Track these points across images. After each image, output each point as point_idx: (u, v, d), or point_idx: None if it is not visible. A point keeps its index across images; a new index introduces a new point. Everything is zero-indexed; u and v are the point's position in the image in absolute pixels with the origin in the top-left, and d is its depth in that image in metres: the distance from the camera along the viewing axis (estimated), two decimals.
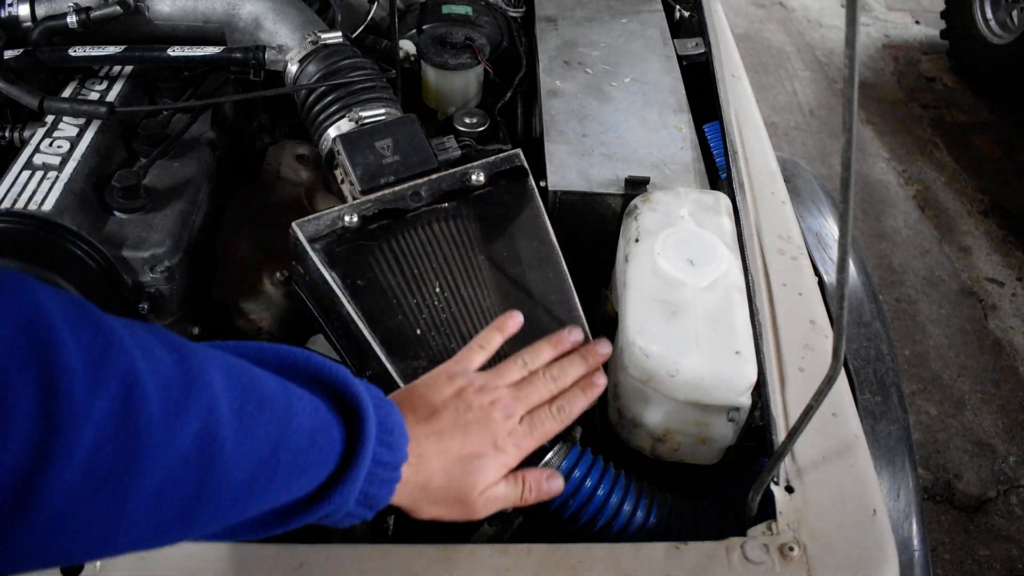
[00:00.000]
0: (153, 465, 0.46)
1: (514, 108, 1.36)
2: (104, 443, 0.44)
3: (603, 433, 0.96)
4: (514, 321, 0.83)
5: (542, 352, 0.81)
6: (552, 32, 1.42)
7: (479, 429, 0.72)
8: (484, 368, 0.79)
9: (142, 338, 0.48)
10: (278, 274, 1.04)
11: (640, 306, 0.90)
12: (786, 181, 1.16)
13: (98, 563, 0.70)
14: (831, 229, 1.47)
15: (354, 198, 0.95)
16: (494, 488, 0.73)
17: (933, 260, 3.02)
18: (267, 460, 0.53)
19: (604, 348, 0.84)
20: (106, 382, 0.44)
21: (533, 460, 0.85)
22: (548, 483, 0.77)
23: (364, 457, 0.60)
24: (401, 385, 0.81)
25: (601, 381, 0.82)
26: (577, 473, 0.85)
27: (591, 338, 0.90)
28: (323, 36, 1.10)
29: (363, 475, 0.60)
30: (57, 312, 0.44)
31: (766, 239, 1.04)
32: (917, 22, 4.51)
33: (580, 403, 0.80)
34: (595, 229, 1.10)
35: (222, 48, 1.11)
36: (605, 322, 1.04)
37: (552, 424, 0.77)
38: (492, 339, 0.81)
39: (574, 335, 0.84)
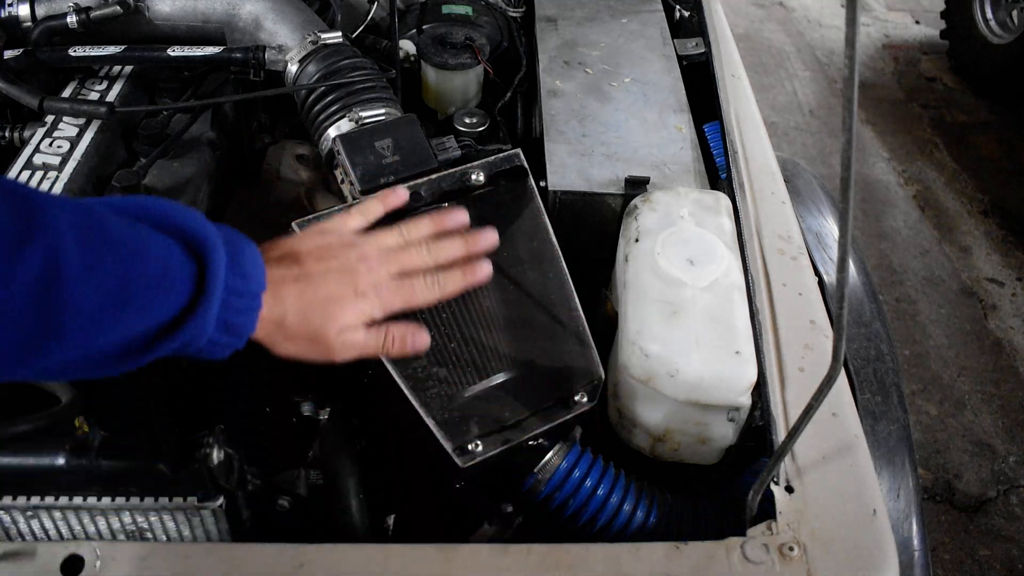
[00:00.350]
0: None
1: (514, 108, 1.36)
2: None
3: (603, 433, 0.96)
4: (397, 195, 0.84)
5: (421, 225, 0.81)
6: (552, 32, 1.42)
7: (339, 275, 0.74)
8: None
9: None
10: None
11: (640, 306, 0.90)
12: (786, 181, 1.17)
13: (98, 563, 0.70)
14: (831, 229, 1.47)
15: (354, 198, 0.95)
16: (353, 333, 0.74)
17: (933, 260, 3.02)
18: (115, 290, 0.57)
19: (488, 236, 0.83)
20: None
21: (531, 461, 0.85)
22: (413, 337, 0.77)
23: (215, 284, 0.62)
24: (404, 387, 0.81)
25: (485, 270, 0.81)
26: (577, 473, 0.85)
27: (591, 340, 0.89)
28: (323, 36, 1.10)
29: (216, 303, 0.63)
30: None
31: (766, 239, 1.04)
32: (917, 22, 4.51)
33: (457, 283, 0.79)
34: (595, 229, 1.10)
35: (222, 48, 1.11)
36: (605, 322, 1.04)
37: (425, 292, 0.78)
38: (372, 206, 0.82)
39: (459, 216, 0.83)
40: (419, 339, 0.78)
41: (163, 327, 0.61)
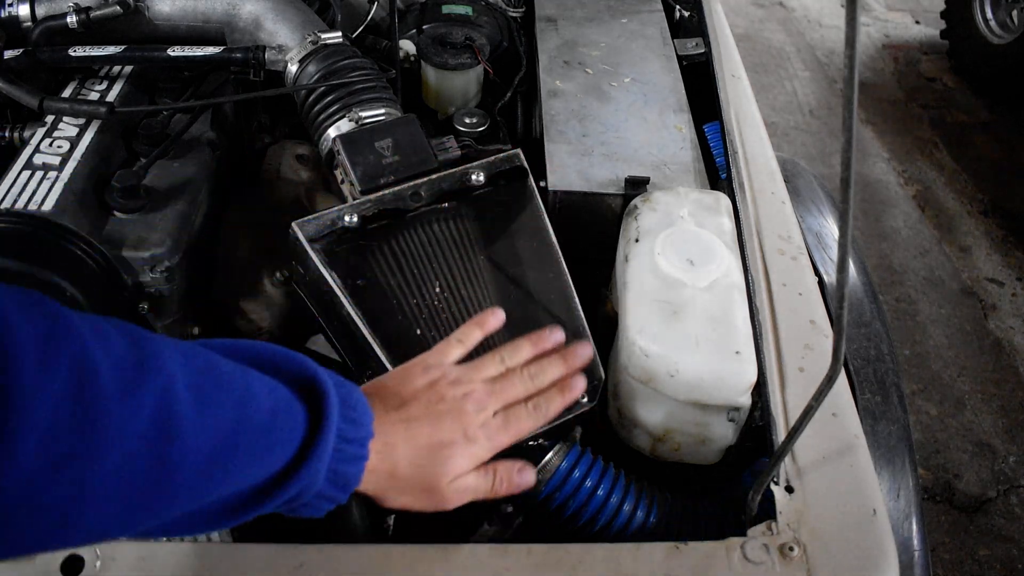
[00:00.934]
0: (110, 445, 0.46)
1: (514, 108, 1.36)
2: (59, 422, 0.44)
3: (603, 433, 0.96)
4: (495, 318, 0.83)
5: (521, 349, 0.80)
6: (552, 32, 1.42)
7: (450, 419, 0.71)
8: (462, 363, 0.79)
9: (94, 322, 0.49)
10: (278, 274, 1.04)
11: (640, 306, 0.90)
12: (786, 181, 1.16)
13: (98, 563, 0.70)
14: (831, 229, 1.47)
15: (354, 198, 0.95)
16: (464, 479, 0.72)
17: (933, 260, 3.02)
18: (227, 438, 0.53)
19: (585, 351, 0.82)
20: (57, 357, 0.45)
21: (532, 460, 0.85)
22: (519, 476, 0.76)
23: (328, 431, 0.59)
24: None
25: (580, 385, 0.80)
26: (577, 473, 0.85)
27: (589, 336, 0.90)
28: (323, 36, 1.10)
29: (329, 450, 0.60)
30: (5, 296, 0.45)
31: (766, 239, 1.04)
32: (917, 22, 4.51)
33: (557, 404, 0.78)
34: (595, 229, 1.10)
35: (222, 48, 1.11)
36: (605, 322, 1.04)
37: (528, 422, 0.77)
38: (471, 334, 0.81)
39: (555, 335, 0.83)
40: (525, 477, 0.76)
41: (274, 476, 0.58)
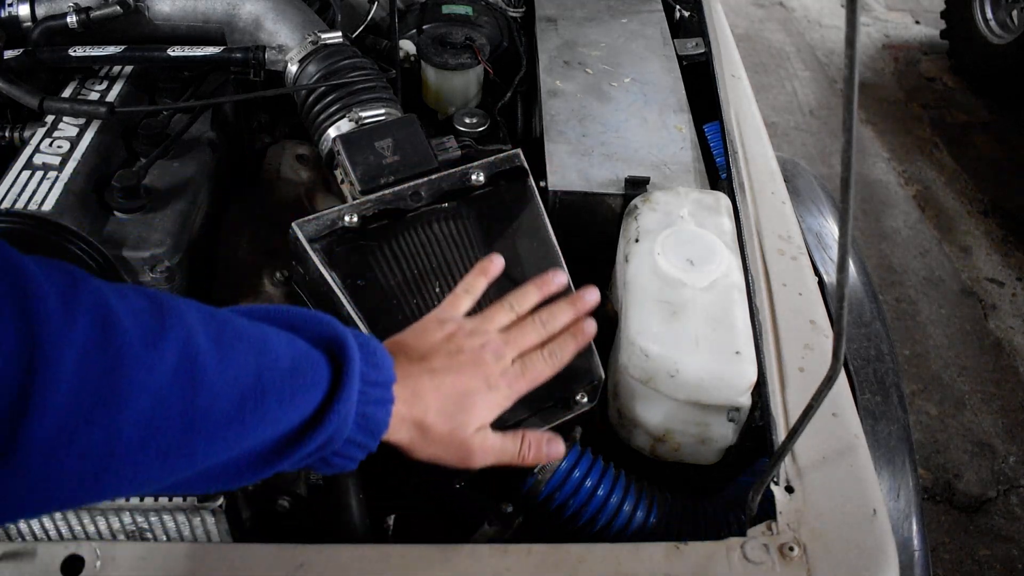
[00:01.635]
0: (138, 392, 0.47)
1: (514, 108, 1.36)
2: (87, 369, 0.45)
3: (603, 433, 0.96)
4: (496, 264, 0.83)
5: (529, 295, 0.81)
6: (552, 32, 1.42)
7: (471, 368, 0.72)
8: (471, 313, 0.80)
9: (111, 282, 0.51)
10: (278, 274, 1.04)
11: (640, 306, 0.90)
12: (786, 181, 1.16)
13: (98, 563, 0.70)
14: (831, 229, 1.47)
15: (354, 198, 0.95)
16: (492, 437, 0.73)
17: (933, 260, 3.02)
18: (252, 385, 0.54)
19: (591, 295, 0.83)
20: (79, 308, 0.46)
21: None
22: (548, 446, 0.77)
23: (353, 372, 0.60)
24: None
25: (591, 328, 0.81)
26: (577, 473, 0.85)
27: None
28: (323, 36, 1.10)
29: (356, 391, 0.60)
30: (26, 258, 0.46)
31: (766, 239, 1.04)
32: (917, 22, 4.51)
33: (571, 348, 0.79)
34: (595, 229, 1.10)
35: (222, 48, 1.11)
36: (605, 322, 1.03)
37: (544, 367, 0.77)
38: (477, 283, 0.81)
39: (558, 278, 0.84)
40: (554, 448, 0.77)
41: (306, 421, 0.58)
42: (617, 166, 1.12)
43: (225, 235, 1.07)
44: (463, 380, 0.71)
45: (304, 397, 0.58)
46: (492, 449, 0.73)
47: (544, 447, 0.77)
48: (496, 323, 0.78)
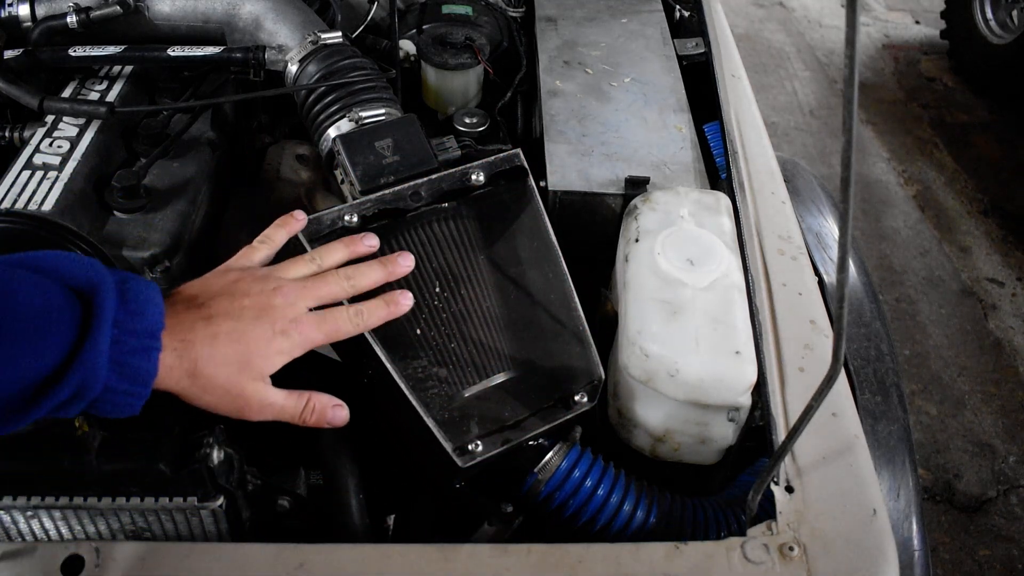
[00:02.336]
0: None
1: (514, 108, 1.36)
2: None
3: (603, 433, 0.96)
4: (298, 219, 0.81)
5: (335, 251, 0.78)
6: (552, 32, 1.42)
7: (254, 313, 0.69)
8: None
9: None
10: None
11: (640, 306, 0.90)
12: (786, 181, 1.16)
13: (97, 563, 0.70)
14: (831, 229, 1.47)
15: (354, 198, 0.95)
16: (273, 393, 0.70)
17: (933, 260, 3.02)
18: None
19: (406, 260, 0.80)
20: None
21: (531, 461, 0.85)
22: (332, 411, 0.74)
23: (101, 321, 0.58)
24: (404, 387, 0.81)
25: (406, 301, 0.78)
26: (577, 473, 0.85)
27: (589, 336, 0.89)
28: (323, 36, 1.10)
29: (105, 340, 0.59)
30: None
31: (766, 239, 1.04)
32: (917, 22, 4.51)
33: (380, 313, 0.76)
34: (595, 229, 1.10)
35: (222, 48, 1.11)
36: (605, 322, 1.04)
37: (346, 323, 0.74)
38: (276, 235, 0.79)
39: (369, 240, 0.81)
40: (339, 414, 0.75)
41: (52, 373, 0.57)
42: (617, 166, 1.12)
43: (225, 235, 1.07)
44: (243, 326, 0.68)
45: (47, 343, 0.57)
46: (271, 405, 0.70)
47: (328, 413, 0.74)
48: (293, 272, 0.75)
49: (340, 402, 0.75)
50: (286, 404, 0.72)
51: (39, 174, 0.94)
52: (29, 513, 0.75)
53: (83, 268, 0.61)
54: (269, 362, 0.70)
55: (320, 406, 0.74)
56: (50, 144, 0.98)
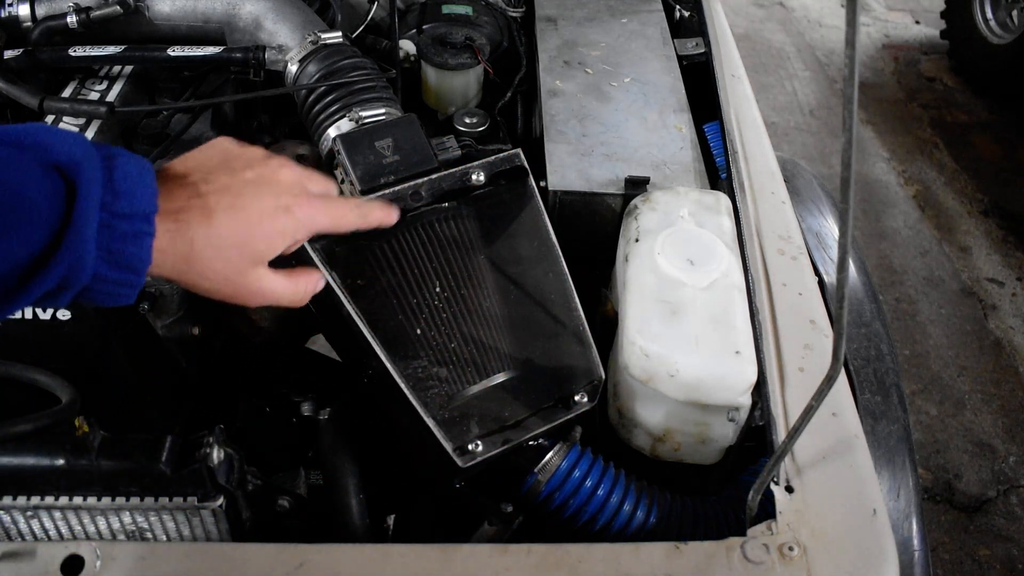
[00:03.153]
0: None
1: (514, 108, 1.36)
2: None
3: (603, 433, 0.96)
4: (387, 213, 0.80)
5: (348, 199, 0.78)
6: (552, 32, 1.42)
7: (256, 187, 0.64)
8: None
9: None
10: None
11: (640, 306, 0.90)
12: (786, 181, 1.16)
13: (98, 563, 0.70)
14: (831, 229, 1.47)
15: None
16: (271, 279, 0.67)
17: (933, 260, 3.02)
18: None
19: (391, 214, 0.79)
20: None
21: (531, 461, 0.85)
22: (319, 281, 0.74)
23: (87, 204, 0.54)
24: (404, 387, 0.81)
25: (397, 214, 0.79)
26: (577, 473, 0.85)
27: (591, 340, 0.89)
28: (323, 36, 1.10)
29: (90, 225, 0.54)
30: None
31: (766, 239, 1.04)
32: (917, 22, 4.51)
33: (378, 214, 0.77)
34: (595, 229, 1.10)
35: (222, 48, 1.11)
36: (605, 322, 1.04)
37: (351, 214, 0.73)
38: (346, 199, 0.78)
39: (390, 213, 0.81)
40: (320, 283, 0.74)
41: (36, 259, 0.53)
42: (617, 166, 1.12)
43: None
44: (243, 201, 0.63)
45: (28, 229, 0.53)
46: (271, 292, 0.67)
47: (319, 283, 0.73)
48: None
49: (321, 275, 0.75)
50: (284, 291, 0.69)
51: None
52: (29, 513, 0.75)
53: (66, 143, 0.56)
54: (270, 244, 0.65)
55: (312, 286, 0.73)
56: None
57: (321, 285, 0.74)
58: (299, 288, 0.71)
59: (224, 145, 0.68)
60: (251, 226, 0.64)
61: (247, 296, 0.66)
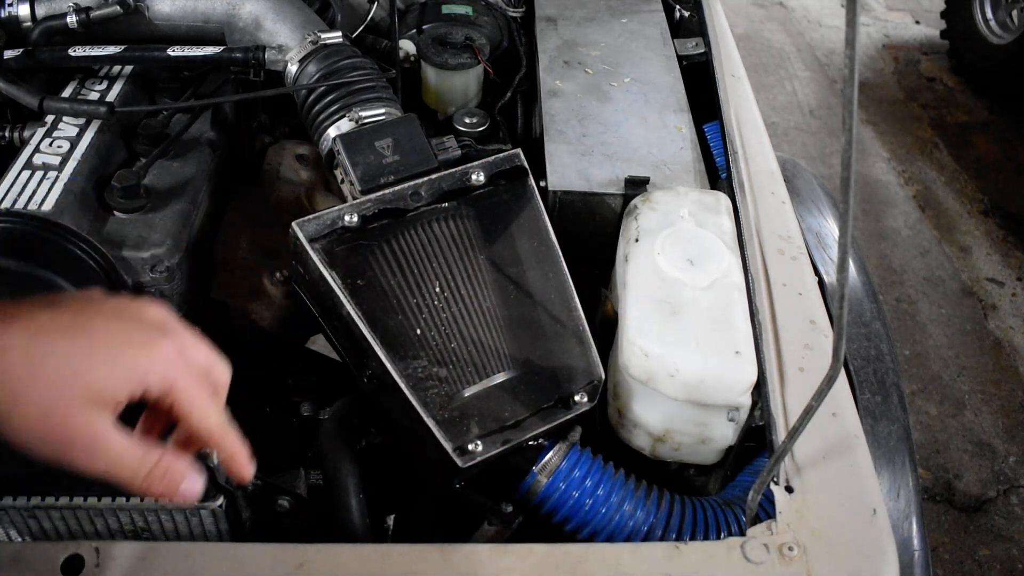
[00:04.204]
0: None
1: (514, 108, 1.36)
2: None
3: (603, 433, 0.96)
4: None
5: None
6: (552, 32, 1.42)
7: (116, 312, 0.53)
8: None
9: None
10: (278, 274, 1.04)
11: (640, 306, 0.90)
12: (786, 181, 1.16)
13: (97, 563, 0.70)
14: (831, 229, 1.46)
15: (354, 198, 0.95)
16: (109, 432, 0.52)
17: (933, 260, 3.02)
18: None
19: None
20: None
21: (531, 461, 0.85)
22: (186, 485, 0.57)
23: None
24: (404, 387, 0.81)
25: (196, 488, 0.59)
26: (577, 473, 0.85)
27: (591, 340, 0.89)
28: (323, 36, 1.10)
29: None
30: None
31: (766, 239, 1.04)
32: (917, 22, 4.51)
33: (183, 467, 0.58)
34: (595, 229, 1.10)
35: (222, 48, 1.11)
36: (605, 322, 1.04)
37: (208, 402, 0.58)
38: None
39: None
40: (191, 490, 0.56)
41: None
42: (617, 166, 1.12)
43: (225, 235, 1.07)
44: (94, 323, 0.51)
45: None
46: (106, 450, 0.52)
47: (180, 485, 0.55)
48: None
49: (198, 475, 0.57)
50: (122, 455, 0.52)
51: (39, 174, 0.94)
52: (29, 513, 0.75)
53: None
54: (115, 380, 0.51)
55: (173, 473, 0.55)
56: (50, 144, 0.98)
57: (197, 489, 0.57)
58: (146, 459, 0.53)
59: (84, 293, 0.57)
60: (95, 349, 0.51)
61: (69, 444, 0.51)
